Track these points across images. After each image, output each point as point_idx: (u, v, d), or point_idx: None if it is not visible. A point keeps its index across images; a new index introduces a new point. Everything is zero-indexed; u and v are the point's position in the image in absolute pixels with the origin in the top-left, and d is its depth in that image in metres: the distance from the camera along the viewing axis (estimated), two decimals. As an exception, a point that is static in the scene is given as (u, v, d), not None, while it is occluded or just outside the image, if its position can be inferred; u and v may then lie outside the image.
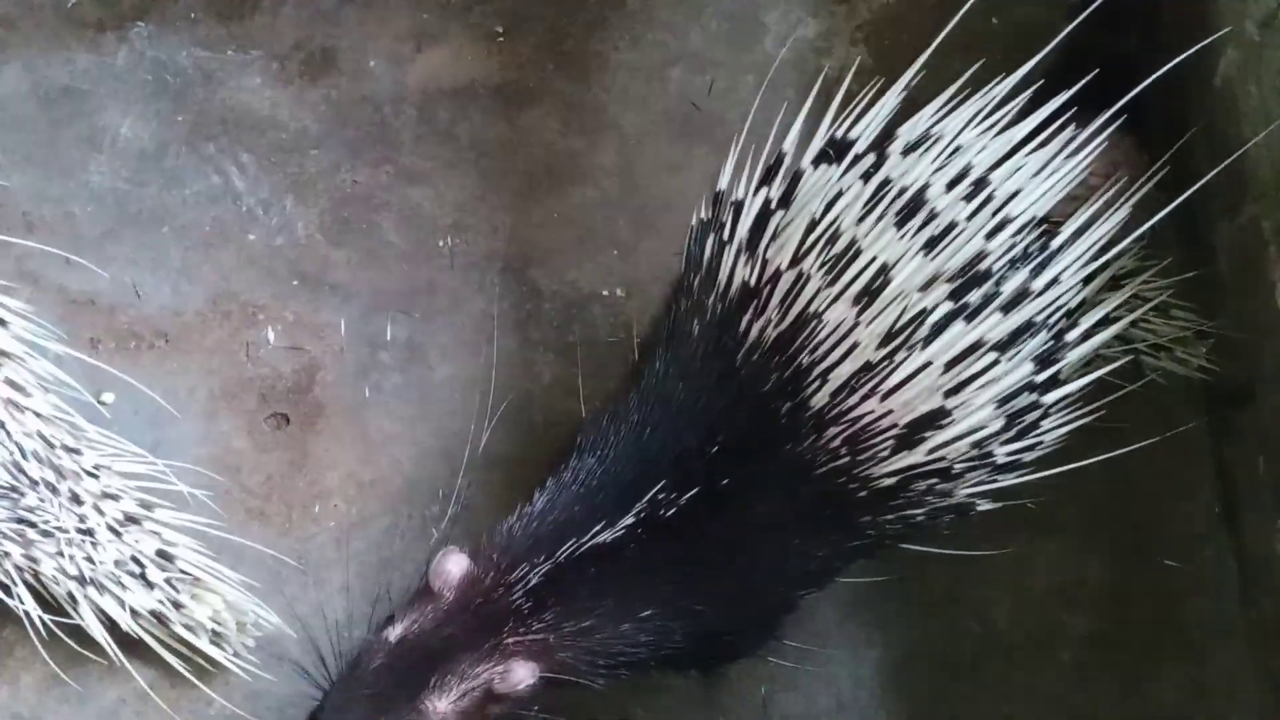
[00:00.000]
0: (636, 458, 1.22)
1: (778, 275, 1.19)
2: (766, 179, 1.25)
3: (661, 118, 1.69)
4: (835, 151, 1.24)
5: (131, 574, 1.27)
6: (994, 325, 1.17)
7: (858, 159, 1.23)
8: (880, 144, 1.24)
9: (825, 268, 1.17)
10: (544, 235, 1.63)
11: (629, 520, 1.19)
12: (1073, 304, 1.23)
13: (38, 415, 1.24)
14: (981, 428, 1.19)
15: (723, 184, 1.28)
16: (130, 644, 1.33)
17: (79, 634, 1.30)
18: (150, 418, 1.49)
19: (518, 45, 1.72)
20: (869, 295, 1.17)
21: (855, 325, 1.17)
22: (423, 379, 1.55)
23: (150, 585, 1.29)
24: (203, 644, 1.33)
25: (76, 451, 1.28)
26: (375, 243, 1.62)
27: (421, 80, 1.70)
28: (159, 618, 1.31)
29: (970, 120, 1.24)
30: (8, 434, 1.21)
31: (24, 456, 1.22)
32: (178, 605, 1.30)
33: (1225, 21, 1.48)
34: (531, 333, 1.58)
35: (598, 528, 1.18)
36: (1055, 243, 1.21)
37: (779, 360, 1.18)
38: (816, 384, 1.18)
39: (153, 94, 1.68)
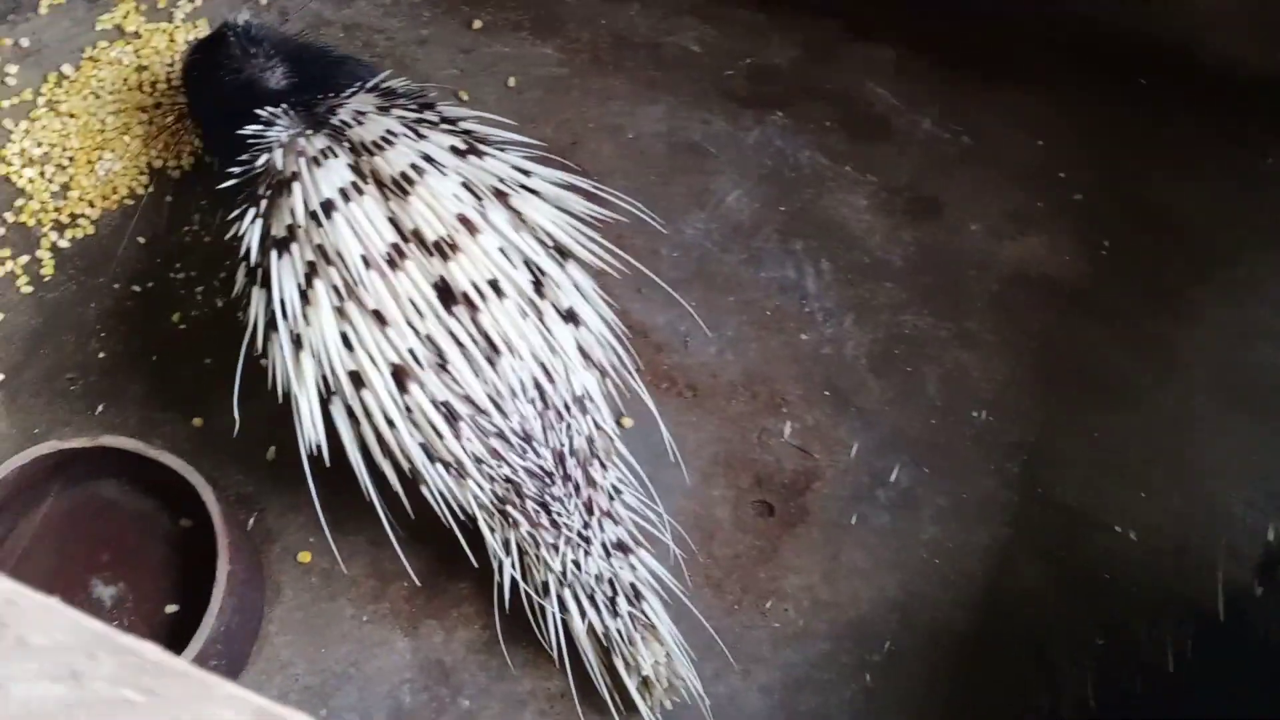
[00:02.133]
0: None
1: None
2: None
3: (1236, 383, 1.63)
4: None
5: (605, 594, 1.34)
6: None
7: None
8: None
9: None
10: (1075, 448, 1.60)
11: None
12: None
13: (594, 423, 1.34)
14: None
15: None
16: (570, 650, 1.39)
17: (524, 619, 1.38)
18: (655, 457, 1.56)
19: (1118, 263, 1.71)
20: None
21: None
22: (908, 531, 1.55)
23: (615, 612, 1.35)
24: (631, 684, 1.37)
25: (605, 467, 1.36)
26: (913, 388, 1.64)
27: (1013, 258, 1.72)
28: (607, 642, 1.36)
29: None
30: (569, 430, 1.31)
31: (571, 453, 1.31)
32: (630, 640, 1.35)
33: None
34: (1027, 534, 1.55)
35: None
36: None
37: None
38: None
39: (767, 177, 1.79)
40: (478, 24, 1.95)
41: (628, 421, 1.59)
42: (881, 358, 1.66)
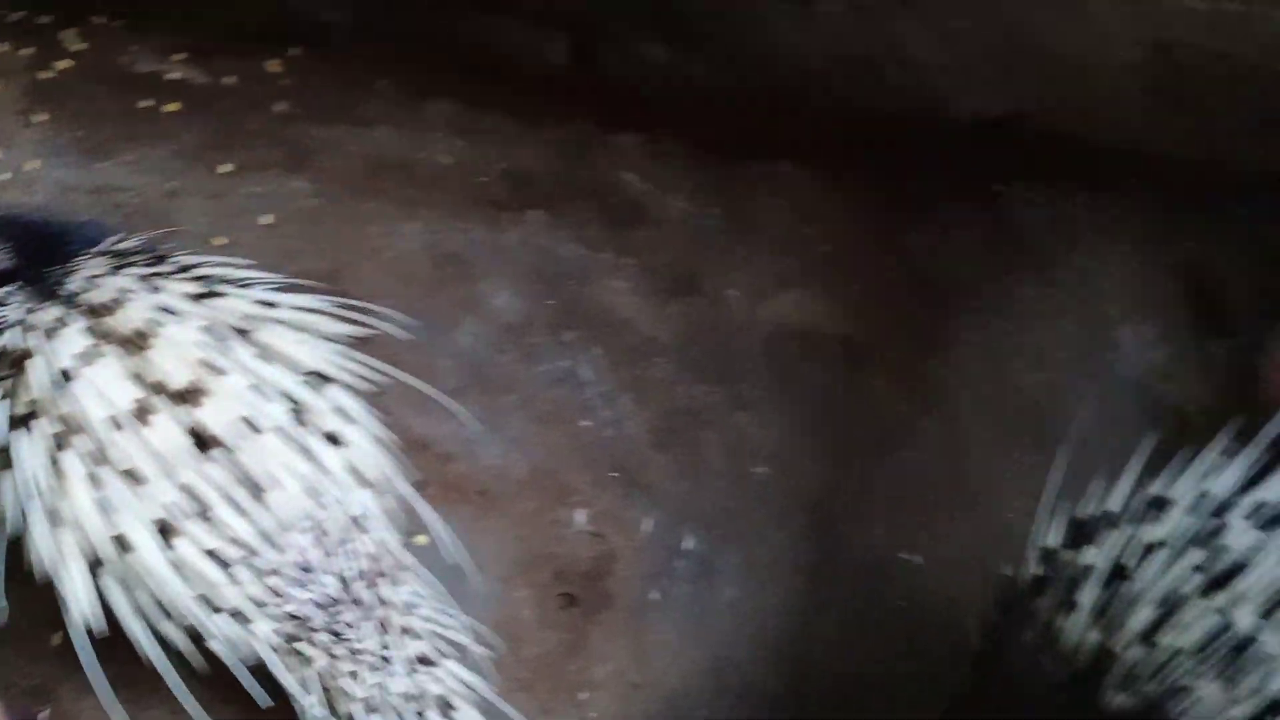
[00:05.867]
0: None
1: (1143, 646, 1.17)
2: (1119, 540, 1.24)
3: (996, 402, 1.71)
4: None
5: (417, 713, 1.33)
6: None
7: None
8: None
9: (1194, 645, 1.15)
10: (857, 489, 1.66)
11: None
12: None
13: (377, 541, 1.34)
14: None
15: (1054, 540, 1.28)
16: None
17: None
18: (453, 567, 1.56)
19: (871, 306, 1.79)
20: (1234, 673, 1.14)
21: (1226, 704, 1.13)
22: (709, 597, 1.58)
23: (427, 728, 1.35)
24: (454, 796, 1.36)
25: (396, 584, 1.36)
26: (695, 456, 1.68)
27: (774, 318, 1.79)
28: (425, 759, 1.35)
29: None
30: (351, 553, 1.31)
31: (358, 575, 1.31)
32: (447, 755, 1.35)
33: None
34: (823, 580, 1.59)
35: None
36: None
37: None
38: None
39: (531, 276, 1.83)
40: (227, 168, 1.96)
41: (421, 539, 1.58)
42: (662, 432, 1.70)
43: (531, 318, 1.80)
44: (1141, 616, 1.17)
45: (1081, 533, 1.28)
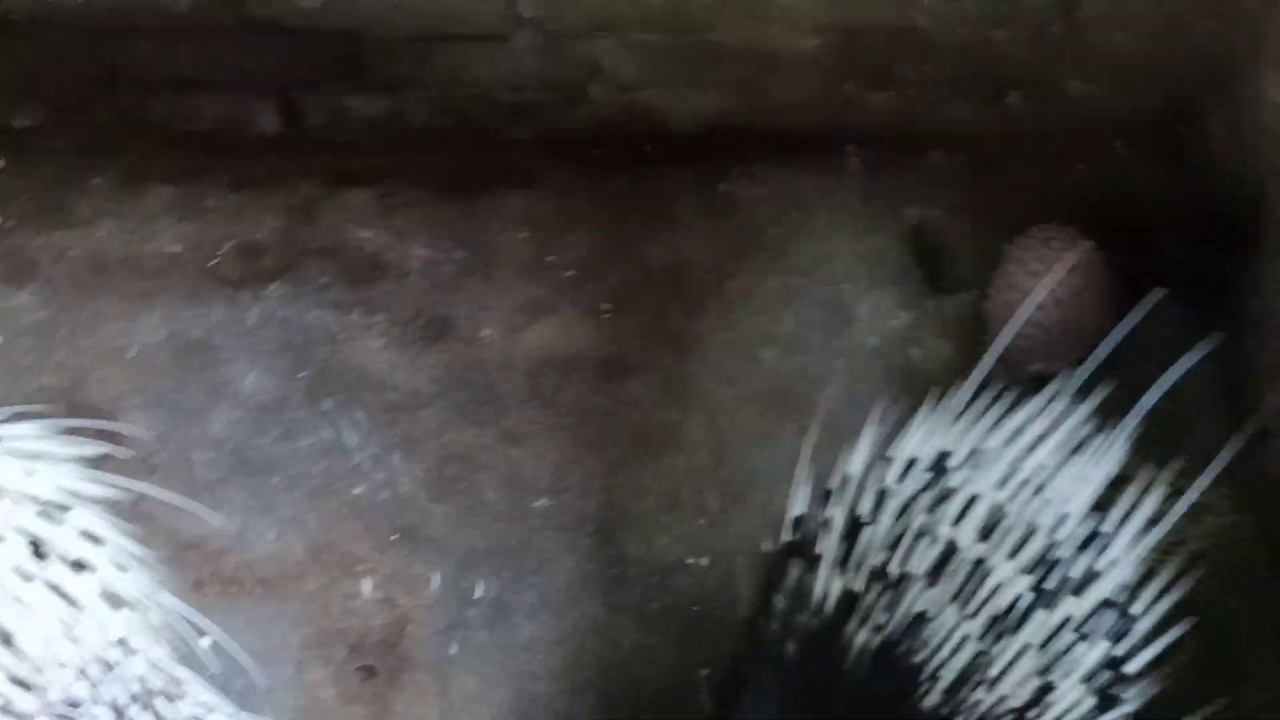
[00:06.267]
0: None
1: (880, 582, 1.23)
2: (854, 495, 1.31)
3: (753, 395, 1.76)
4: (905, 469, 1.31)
5: (220, 819, 1.30)
6: (1071, 606, 1.23)
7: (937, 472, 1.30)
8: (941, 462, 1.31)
9: (927, 570, 1.22)
10: (634, 501, 1.69)
11: None
12: (1133, 579, 1.28)
13: (146, 661, 1.30)
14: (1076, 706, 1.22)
15: (802, 508, 1.34)
16: None
17: None
18: (244, 663, 1.53)
19: (622, 321, 1.82)
20: (968, 591, 1.22)
21: (959, 621, 1.21)
22: (507, 639, 1.58)
23: (231, 837, 1.31)
24: None
25: (175, 699, 1.32)
26: (474, 501, 1.68)
27: (531, 349, 1.80)
28: None
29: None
30: (117, 679, 1.26)
31: (132, 699, 1.27)
32: None
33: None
34: (616, 598, 1.62)
35: None
36: (1107, 526, 1.27)
37: (890, 665, 1.21)
38: (928, 684, 1.21)
39: (279, 350, 1.80)
40: (-56, 295, 1.87)
41: (206, 641, 1.54)
42: (438, 484, 1.70)
43: (286, 393, 1.77)
44: (877, 556, 1.24)
45: (827, 496, 1.34)
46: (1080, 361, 1.40)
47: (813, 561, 1.29)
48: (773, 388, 1.77)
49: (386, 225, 1.90)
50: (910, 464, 1.31)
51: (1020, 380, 1.51)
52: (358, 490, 1.69)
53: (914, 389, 1.71)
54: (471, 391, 1.77)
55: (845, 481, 1.33)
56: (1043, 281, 1.62)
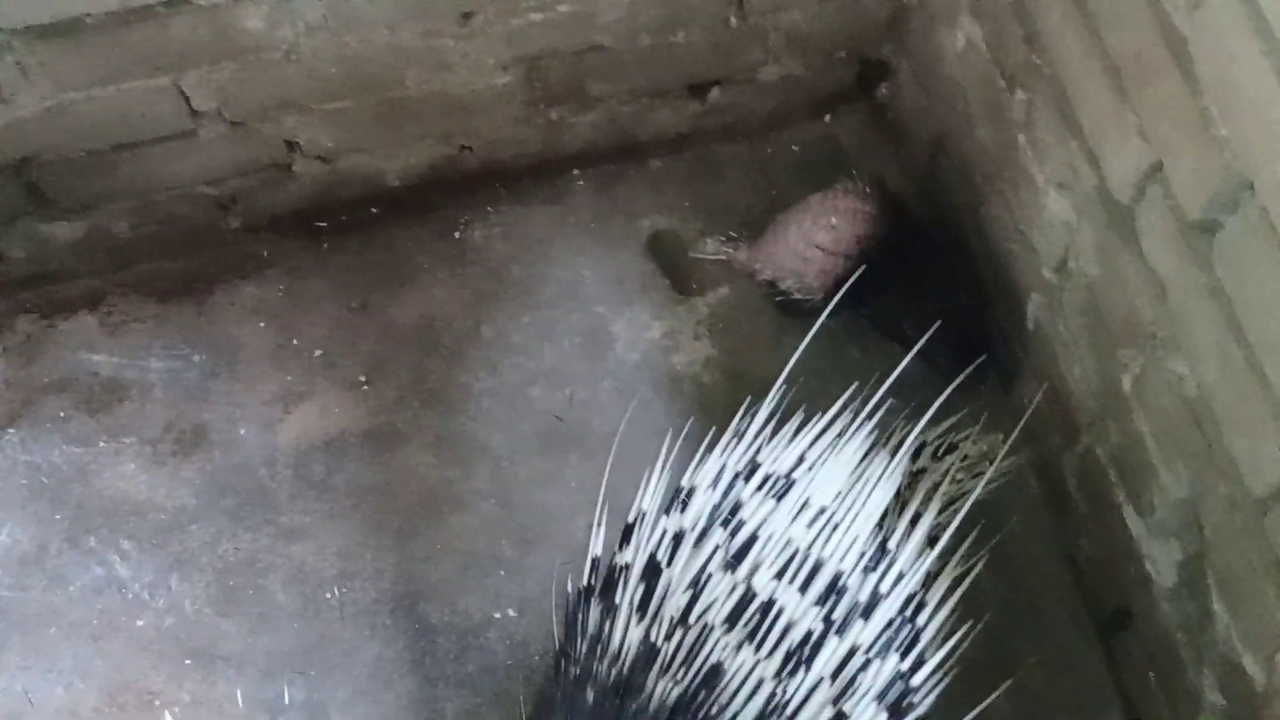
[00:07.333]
0: None
1: (681, 628, 1.24)
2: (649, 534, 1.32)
3: (529, 435, 1.75)
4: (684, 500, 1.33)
5: None
6: (860, 631, 1.25)
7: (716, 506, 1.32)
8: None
9: (724, 618, 1.23)
10: (429, 569, 1.66)
11: None
12: (916, 590, 1.31)
13: None
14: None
15: (597, 550, 1.35)
16: None
17: None
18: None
19: (382, 390, 1.79)
20: (761, 634, 1.24)
21: (756, 664, 1.22)
22: (326, 736, 1.55)
23: None
24: None
25: None
26: (264, 606, 1.63)
27: (293, 438, 1.75)
28: None
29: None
30: None
31: None
32: None
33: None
34: (430, 670, 1.59)
35: None
36: (891, 544, 1.31)
37: (689, 713, 1.21)
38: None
39: (29, 497, 1.70)
40: None
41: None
42: (222, 597, 1.64)
43: (46, 539, 1.68)
44: (676, 603, 1.24)
45: (625, 535, 1.35)
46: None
47: (611, 608, 1.28)
48: (547, 424, 1.76)
49: (116, 344, 1.82)
50: (703, 495, 1.32)
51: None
52: (141, 622, 1.62)
53: (683, 395, 1.75)
54: (239, 495, 1.71)
55: (641, 518, 1.33)
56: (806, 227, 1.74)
